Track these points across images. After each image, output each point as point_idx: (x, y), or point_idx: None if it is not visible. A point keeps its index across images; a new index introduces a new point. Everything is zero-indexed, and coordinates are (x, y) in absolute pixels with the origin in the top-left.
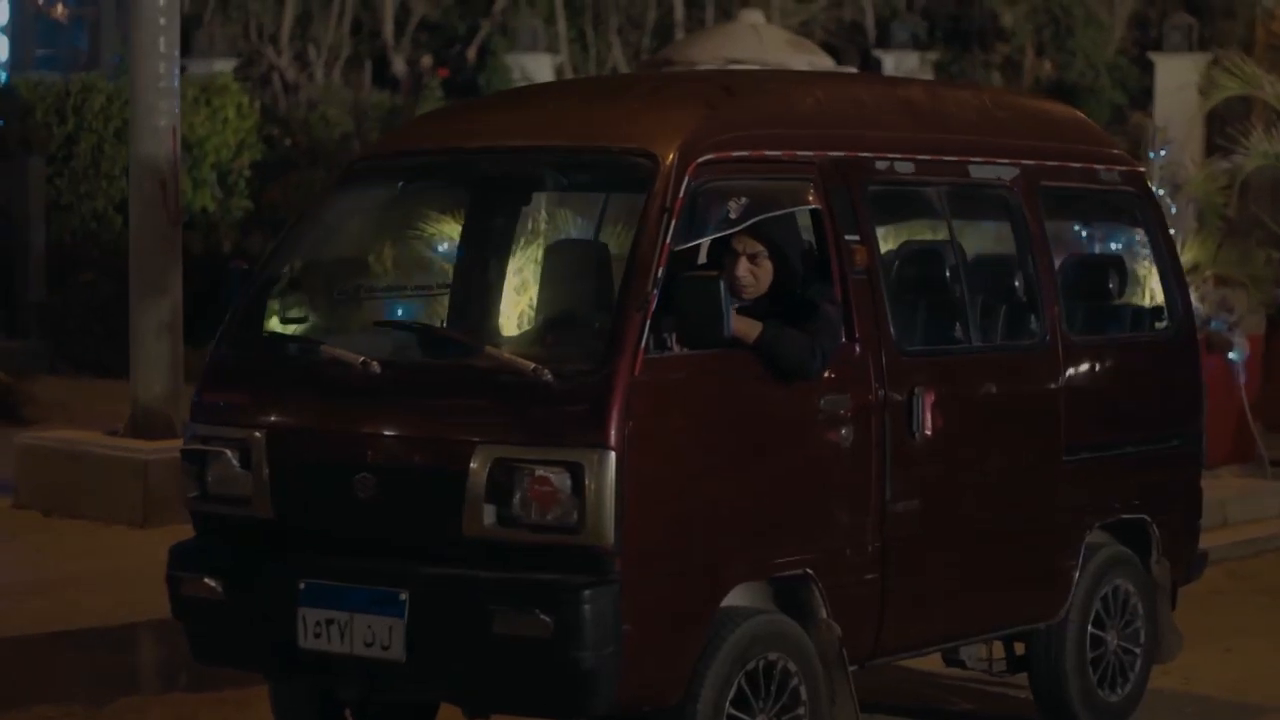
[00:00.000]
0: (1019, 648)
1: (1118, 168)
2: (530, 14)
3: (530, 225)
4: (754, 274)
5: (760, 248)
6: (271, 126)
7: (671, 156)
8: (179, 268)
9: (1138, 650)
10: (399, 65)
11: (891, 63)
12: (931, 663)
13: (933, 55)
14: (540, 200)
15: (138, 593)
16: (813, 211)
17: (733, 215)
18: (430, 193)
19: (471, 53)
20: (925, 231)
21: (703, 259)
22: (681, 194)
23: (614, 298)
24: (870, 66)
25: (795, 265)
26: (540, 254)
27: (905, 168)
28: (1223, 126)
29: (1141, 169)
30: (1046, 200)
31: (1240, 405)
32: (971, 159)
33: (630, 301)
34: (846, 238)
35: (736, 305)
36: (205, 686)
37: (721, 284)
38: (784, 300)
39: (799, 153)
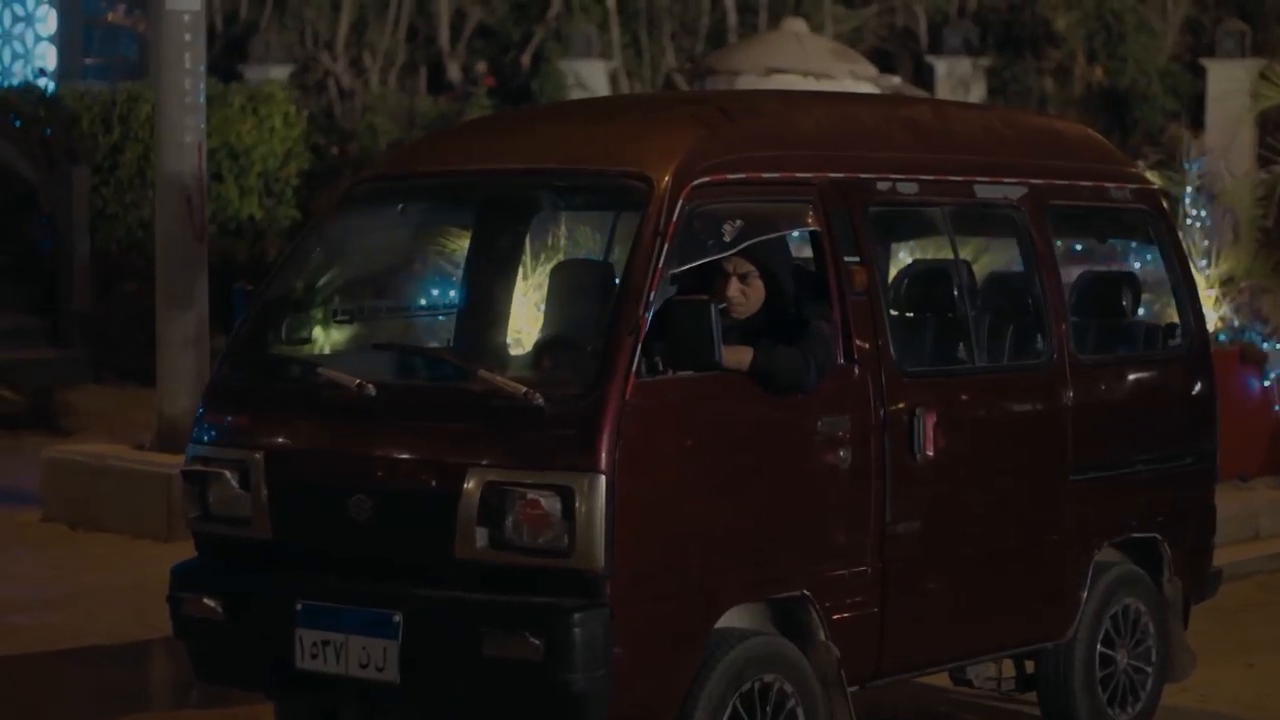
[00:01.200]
0: (1029, 666)
1: (1130, 185)
2: (584, 20)
3: (545, 244)
4: (744, 294)
5: (751, 267)
6: (319, 135)
7: (666, 179)
8: (205, 282)
9: (1149, 669)
10: (454, 71)
11: (944, 69)
12: (944, 678)
13: (985, 61)
14: (552, 220)
15: (157, 608)
16: (812, 233)
17: (727, 238)
18: (431, 214)
19: (526, 59)
20: (930, 252)
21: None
22: (675, 217)
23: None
24: (923, 73)
25: (786, 284)
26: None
27: (908, 188)
28: (1276, 134)
29: (1154, 186)
30: (1055, 219)
31: (1274, 416)
32: (977, 178)
33: (622, 325)
34: (846, 259)
35: (726, 325)
36: (215, 704)
37: (713, 308)
38: (775, 318)
39: (797, 174)
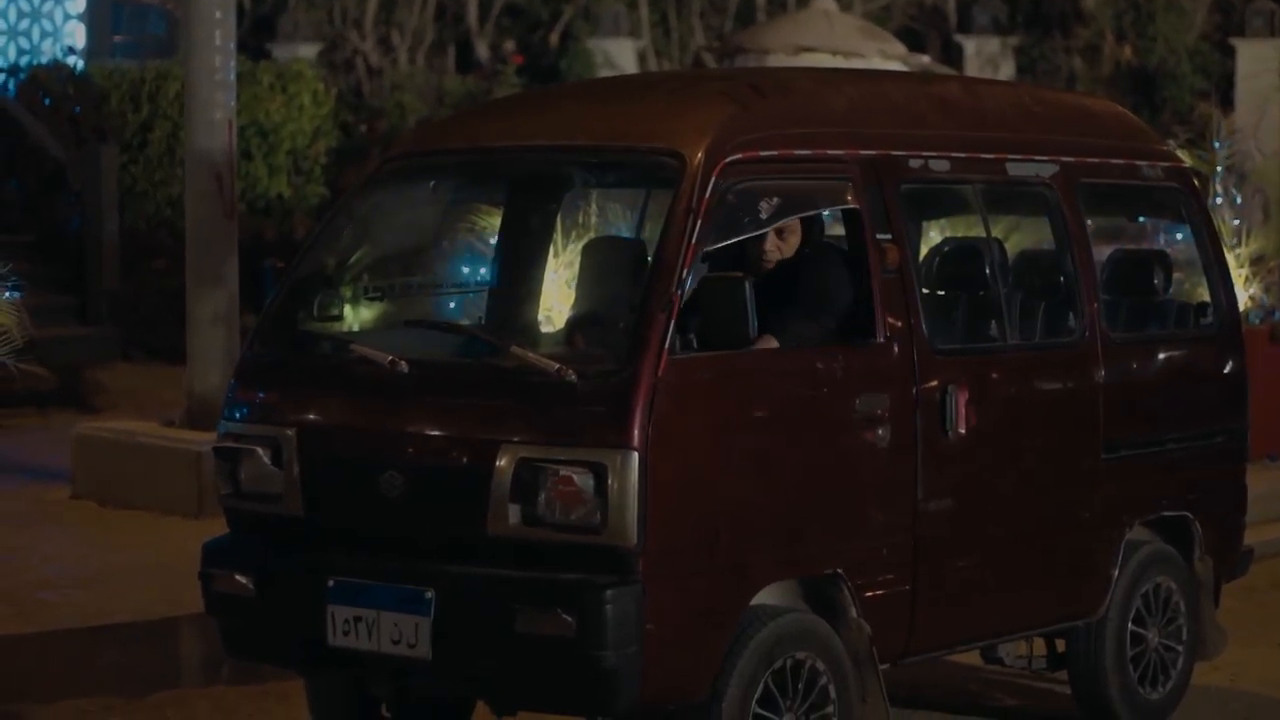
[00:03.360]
0: (1060, 645)
1: (1161, 163)
2: None
3: (577, 221)
4: (779, 247)
5: (791, 221)
6: (347, 113)
7: (699, 156)
8: (235, 259)
9: (1180, 648)
10: (482, 50)
11: (972, 47)
12: (975, 656)
13: (1014, 40)
14: (583, 198)
15: (185, 585)
16: (846, 211)
17: (764, 215)
18: (461, 191)
19: (554, 38)
20: (962, 230)
21: None
22: (708, 194)
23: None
24: (951, 52)
25: (818, 235)
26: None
27: (940, 165)
28: None
29: (1185, 164)
30: (1087, 197)
31: None
32: (1009, 156)
33: (655, 302)
34: (878, 236)
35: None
36: (248, 680)
37: (747, 286)
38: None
39: (829, 151)
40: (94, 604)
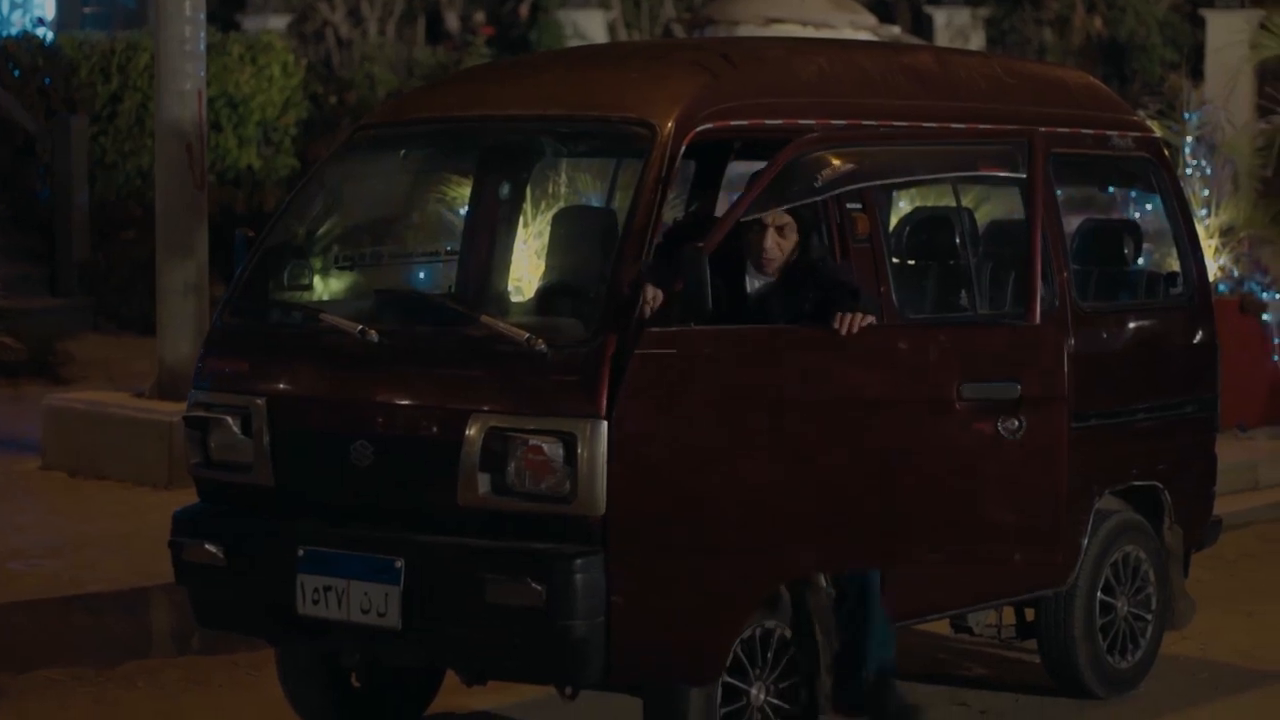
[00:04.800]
0: (1029, 614)
1: (1131, 134)
2: None
3: (547, 192)
4: (780, 246)
5: (788, 219)
6: (317, 84)
7: (669, 126)
8: (205, 229)
9: (1149, 617)
10: (452, 21)
11: (942, 19)
12: (944, 626)
13: (984, 11)
14: (553, 168)
15: (156, 555)
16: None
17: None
18: (432, 161)
19: (524, 9)
20: (932, 199)
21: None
22: (678, 164)
23: None
24: (922, 23)
25: (817, 238)
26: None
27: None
28: (1275, 84)
29: (1156, 134)
30: (1058, 167)
31: (1274, 367)
32: (981, 126)
33: (623, 271)
34: (849, 206)
35: (760, 283)
36: (218, 649)
37: (704, 255)
38: (799, 269)
39: (801, 121)
40: (64, 574)
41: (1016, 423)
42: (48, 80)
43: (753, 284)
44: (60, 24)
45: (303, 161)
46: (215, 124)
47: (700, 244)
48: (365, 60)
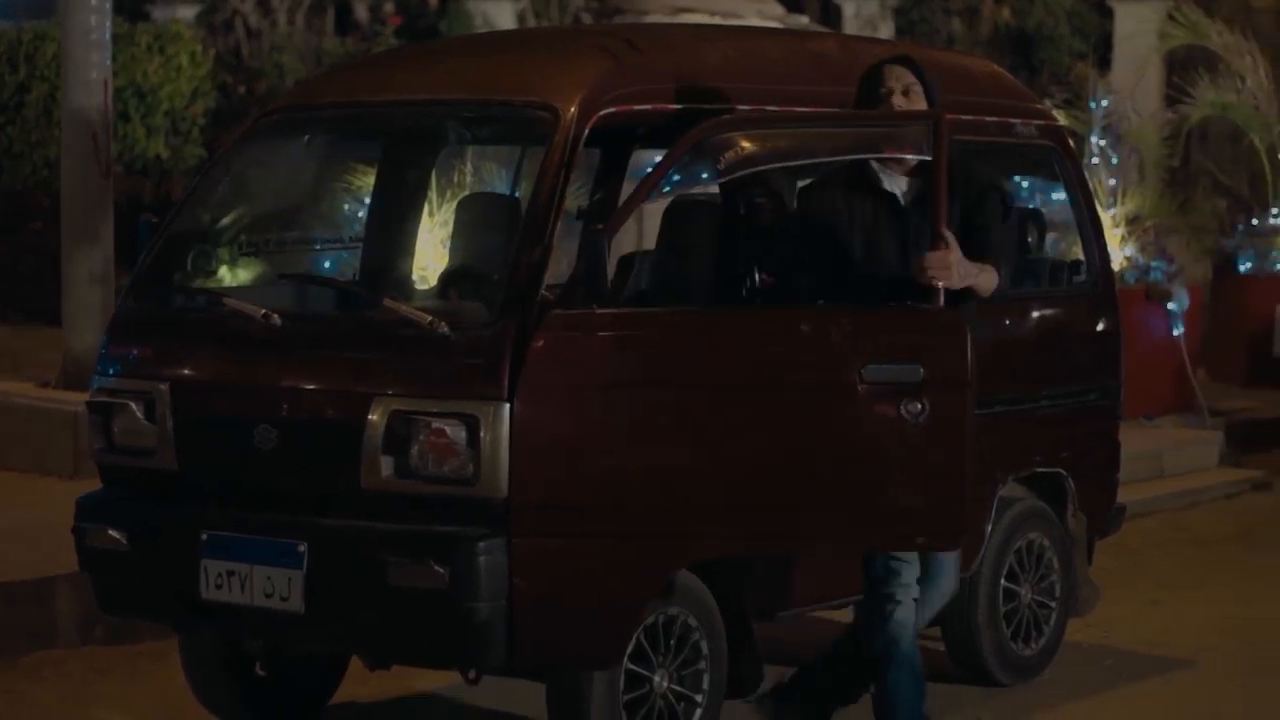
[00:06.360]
0: None
1: (1035, 121)
2: None
3: (452, 180)
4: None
5: (913, 80)
6: (226, 74)
7: (572, 110)
8: (110, 219)
9: (1052, 604)
10: (361, 12)
11: (851, 9)
12: (847, 613)
13: (892, 1)
14: (458, 155)
15: (60, 545)
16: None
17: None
18: (336, 146)
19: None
20: None
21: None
22: (581, 147)
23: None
24: (830, 13)
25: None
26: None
27: None
28: (1182, 74)
29: (1060, 123)
30: (960, 154)
31: (1180, 355)
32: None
33: (526, 255)
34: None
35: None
36: (122, 639)
37: (604, 240)
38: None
39: (704, 106)
40: None
41: (919, 406)
42: None
43: (894, 185)
44: None
45: (210, 151)
46: (123, 114)
47: (600, 226)
48: (274, 50)
